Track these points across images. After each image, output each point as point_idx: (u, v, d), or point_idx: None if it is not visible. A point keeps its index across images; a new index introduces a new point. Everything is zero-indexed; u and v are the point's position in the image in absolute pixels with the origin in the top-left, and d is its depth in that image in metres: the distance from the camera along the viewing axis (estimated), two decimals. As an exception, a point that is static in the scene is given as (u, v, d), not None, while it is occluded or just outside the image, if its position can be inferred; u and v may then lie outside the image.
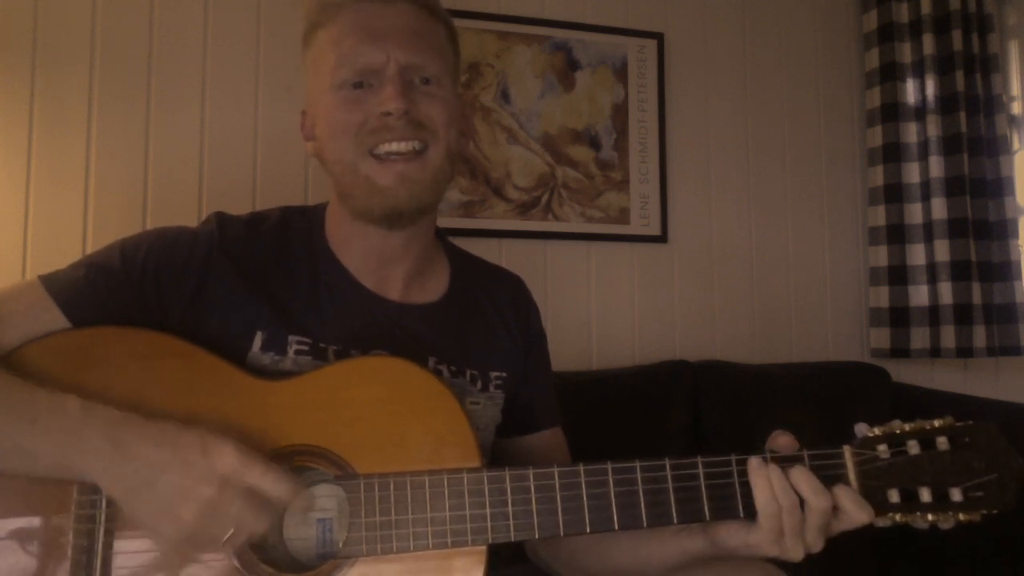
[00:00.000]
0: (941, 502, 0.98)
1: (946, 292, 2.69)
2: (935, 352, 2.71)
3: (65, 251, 1.11)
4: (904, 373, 2.77)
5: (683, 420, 2.35)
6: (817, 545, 0.98)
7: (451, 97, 1.16)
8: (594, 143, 2.60)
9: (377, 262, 1.19)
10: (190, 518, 0.90)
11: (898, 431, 1.00)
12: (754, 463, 1.00)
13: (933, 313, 2.71)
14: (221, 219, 1.19)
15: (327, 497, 1.05)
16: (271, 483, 0.93)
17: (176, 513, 0.90)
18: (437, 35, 1.17)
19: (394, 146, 1.09)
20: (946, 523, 0.99)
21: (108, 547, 0.96)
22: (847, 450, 1.01)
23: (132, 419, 0.94)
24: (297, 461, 1.02)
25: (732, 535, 1.01)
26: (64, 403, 0.94)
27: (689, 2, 2.77)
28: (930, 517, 0.98)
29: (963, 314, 2.67)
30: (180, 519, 0.90)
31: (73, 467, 0.93)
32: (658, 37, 2.69)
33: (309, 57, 1.18)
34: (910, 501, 0.99)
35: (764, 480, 0.98)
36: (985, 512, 0.98)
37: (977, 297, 2.67)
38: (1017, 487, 0.98)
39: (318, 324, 1.15)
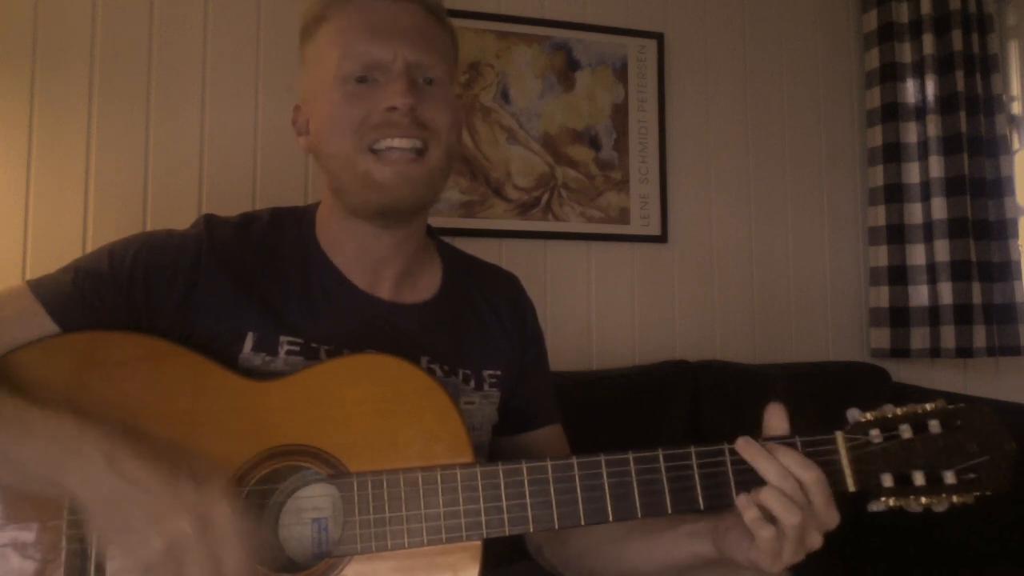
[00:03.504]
0: (934, 485, 0.98)
1: (946, 292, 2.68)
2: (935, 352, 2.71)
3: (65, 251, 1.11)
4: (904, 373, 2.78)
5: (683, 420, 2.35)
6: (816, 542, 0.97)
7: (453, 100, 1.16)
8: (594, 143, 2.61)
9: (368, 261, 1.19)
10: (159, 546, 0.87)
11: (890, 415, 1.00)
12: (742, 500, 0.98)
13: (933, 313, 2.71)
14: (210, 221, 1.19)
15: (321, 496, 1.05)
16: (249, 534, 0.90)
17: (146, 538, 0.87)
18: (443, 39, 1.17)
19: (395, 142, 1.08)
20: (940, 506, 0.99)
21: (101, 553, 0.95)
22: (839, 435, 1.01)
23: (128, 436, 0.92)
24: (290, 461, 1.01)
25: (738, 550, 0.99)
26: (60, 418, 0.93)
27: (689, 2, 2.78)
28: (924, 500, 0.98)
29: (963, 314, 2.67)
30: (148, 545, 0.87)
31: (59, 477, 0.91)
32: (658, 37, 2.70)
33: (310, 50, 1.17)
34: (904, 485, 0.99)
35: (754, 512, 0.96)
36: (978, 494, 0.98)
37: (977, 297, 2.67)
38: (1010, 468, 0.98)
39: (310, 324, 1.14)
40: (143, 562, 0.88)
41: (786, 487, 0.96)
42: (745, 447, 0.99)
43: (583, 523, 0.99)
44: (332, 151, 1.12)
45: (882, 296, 2.79)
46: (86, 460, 0.90)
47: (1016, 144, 3.02)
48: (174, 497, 0.89)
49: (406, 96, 1.07)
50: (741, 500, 0.97)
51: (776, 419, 1.03)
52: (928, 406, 1.00)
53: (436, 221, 1.30)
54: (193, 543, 0.87)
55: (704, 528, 1.05)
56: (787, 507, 0.95)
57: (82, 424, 0.93)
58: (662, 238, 2.65)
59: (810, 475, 0.96)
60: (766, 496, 0.95)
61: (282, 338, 1.12)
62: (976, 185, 2.75)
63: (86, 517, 0.92)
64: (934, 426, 1.00)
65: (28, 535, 0.95)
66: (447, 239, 1.37)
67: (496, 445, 1.30)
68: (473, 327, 1.28)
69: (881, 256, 2.80)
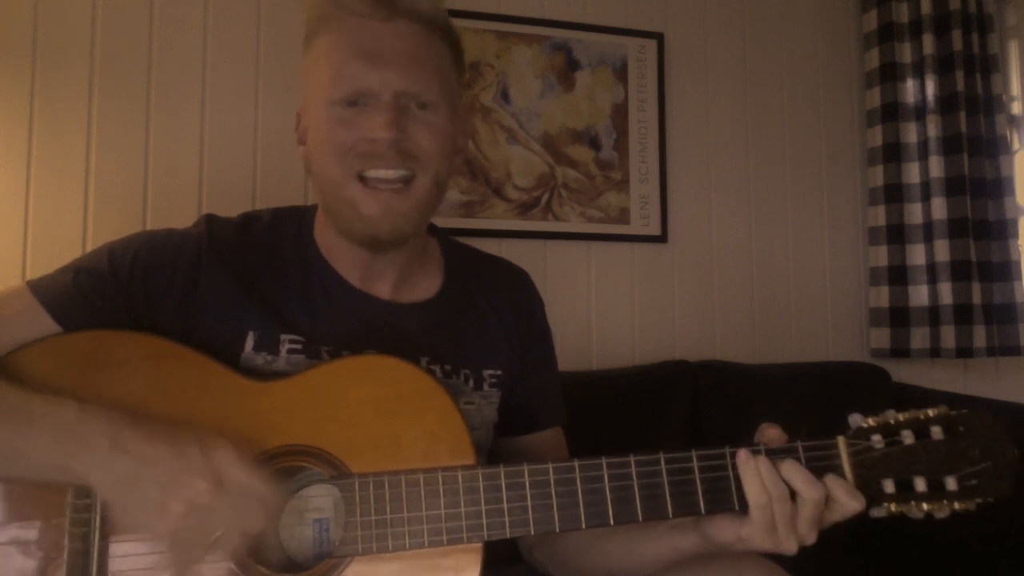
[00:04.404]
0: (936, 491, 0.99)
1: (946, 292, 2.68)
2: (935, 352, 2.71)
3: (65, 251, 1.11)
4: (904, 373, 2.78)
5: (683, 420, 2.35)
6: (811, 537, 0.98)
7: (446, 122, 1.13)
8: (594, 143, 2.61)
9: (364, 269, 1.19)
10: (179, 511, 0.88)
11: (892, 421, 1.01)
12: (743, 455, 1.00)
13: (933, 313, 2.71)
14: (211, 221, 1.19)
15: (322, 497, 1.05)
16: (264, 484, 0.92)
17: (165, 506, 0.88)
18: (438, 56, 1.14)
19: (380, 173, 1.08)
20: (941, 512, 0.99)
21: (103, 550, 0.95)
22: (841, 441, 1.01)
23: (129, 417, 0.94)
24: (291, 461, 1.02)
25: (724, 530, 1.01)
26: (61, 405, 0.93)
27: (689, 2, 2.78)
28: (925, 507, 0.98)
29: (963, 314, 2.67)
30: (168, 512, 0.88)
31: (67, 465, 0.92)
32: (658, 37, 2.69)
33: (308, 59, 1.16)
34: (905, 491, 0.99)
35: (753, 472, 0.98)
36: (980, 501, 0.99)
37: (977, 297, 2.67)
38: (1012, 476, 0.98)
39: (310, 324, 1.15)
40: (168, 530, 0.89)
41: (766, 517, 0.98)
42: (743, 463, 1.00)
43: (584, 526, 1.00)
44: (322, 172, 1.12)
45: (882, 296, 2.78)
46: (91, 445, 0.91)
47: (1016, 144, 3.02)
48: (183, 462, 0.90)
49: (389, 130, 1.06)
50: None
51: (772, 431, 1.04)
52: (930, 412, 1.01)
53: (436, 221, 1.29)
54: (211, 500, 0.89)
55: (688, 518, 1.05)
56: (769, 530, 0.98)
57: (83, 408, 0.93)
58: (662, 238, 2.65)
59: (814, 493, 0.97)
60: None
61: (283, 337, 1.12)
62: (976, 185, 2.75)
63: (102, 500, 0.94)
64: (936, 432, 1.00)
65: (31, 534, 0.96)
66: (447, 239, 1.37)
67: (497, 445, 1.30)
68: (473, 326, 1.27)
69: (881, 256, 2.80)
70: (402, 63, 1.09)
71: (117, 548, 0.96)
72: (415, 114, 1.10)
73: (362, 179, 1.08)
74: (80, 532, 0.96)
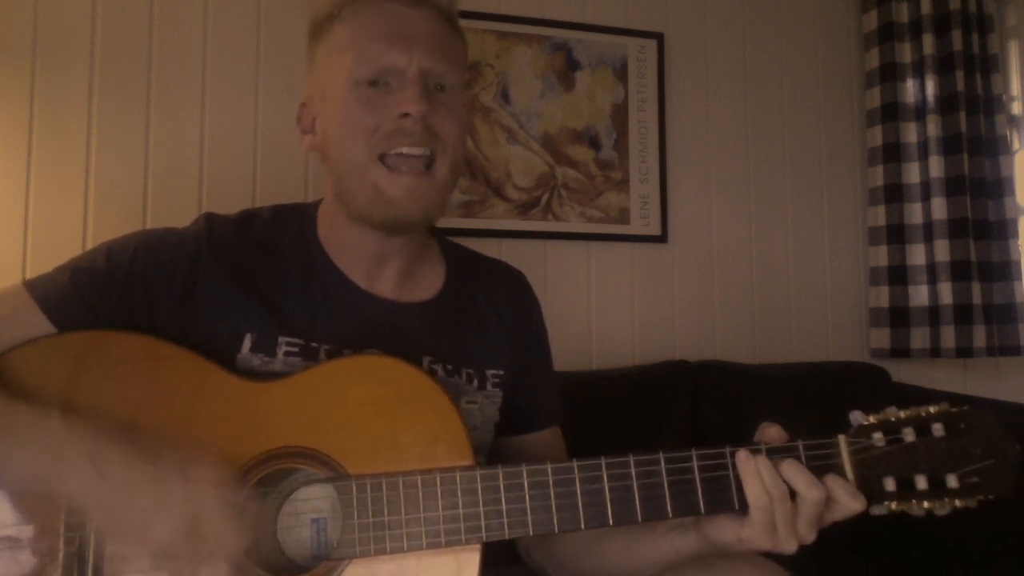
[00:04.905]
0: (937, 489, 0.98)
1: (946, 292, 2.68)
2: (935, 352, 2.70)
3: (65, 251, 1.11)
4: (904, 373, 2.77)
5: (683, 420, 2.35)
6: (810, 536, 0.98)
7: (462, 108, 1.15)
8: (594, 143, 2.60)
9: (370, 262, 1.18)
10: (164, 538, 0.88)
11: (893, 419, 1.00)
12: (742, 455, 0.99)
13: (933, 313, 2.71)
14: (210, 219, 1.18)
15: (320, 499, 1.04)
16: (243, 512, 0.92)
17: (150, 533, 0.89)
18: (456, 47, 1.17)
19: (405, 150, 1.08)
20: (942, 510, 0.98)
21: (99, 555, 0.95)
22: (842, 439, 1.00)
23: (113, 437, 0.93)
24: (288, 463, 1.01)
25: (724, 530, 1.00)
26: (46, 419, 0.93)
27: (689, 2, 2.77)
28: (926, 505, 0.98)
29: (963, 314, 2.67)
30: (154, 539, 0.89)
31: (52, 483, 0.92)
32: (658, 37, 2.69)
33: (320, 49, 1.16)
34: (906, 489, 0.99)
35: (753, 472, 0.98)
36: (981, 498, 0.98)
37: (977, 297, 2.67)
38: (1013, 472, 0.98)
39: (310, 323, 1.14)
40: (158, 556, 0.90)
41: (766, 518, 0.98)
42: (743, 463, 1.00)
43: (583, 527, 0.99)
44: (342, 156, 1.12)
45: (882, 296, 2.78)
46: (74, 467, 0.91)
47: (1016, 144, 3.02)
48: (164, 487, 0.90)
49: (419, 102, 1.06)
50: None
51: (772, 431, 1.03)
52: (932, 409, 1.00)
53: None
54: (194, 524, 0.89)
55: (687, 519, 1.05)
56: (769, 530, 0.97)
57: (68, 426, 0.93)
58: (662, 238, 2.65)
59: (814, 494, 0.97)
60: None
61: (281, 339, 1.11)
62: (976, 185, 2.75)
63: (87, 519, 0.94)
64: (937, 429, 0.99)
65: (26, 538, 0.95)
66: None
67: (495, 445, 1.29)
68: (474, 326, 1.27)
69: (881, 256, 2.79)
70: (428, 43, 1.10)
71: (113, 553, 0.95)
72: (437, 95, 1.11)
73: (384, 162, 1.08)
74: (75, 536, 0.95)
